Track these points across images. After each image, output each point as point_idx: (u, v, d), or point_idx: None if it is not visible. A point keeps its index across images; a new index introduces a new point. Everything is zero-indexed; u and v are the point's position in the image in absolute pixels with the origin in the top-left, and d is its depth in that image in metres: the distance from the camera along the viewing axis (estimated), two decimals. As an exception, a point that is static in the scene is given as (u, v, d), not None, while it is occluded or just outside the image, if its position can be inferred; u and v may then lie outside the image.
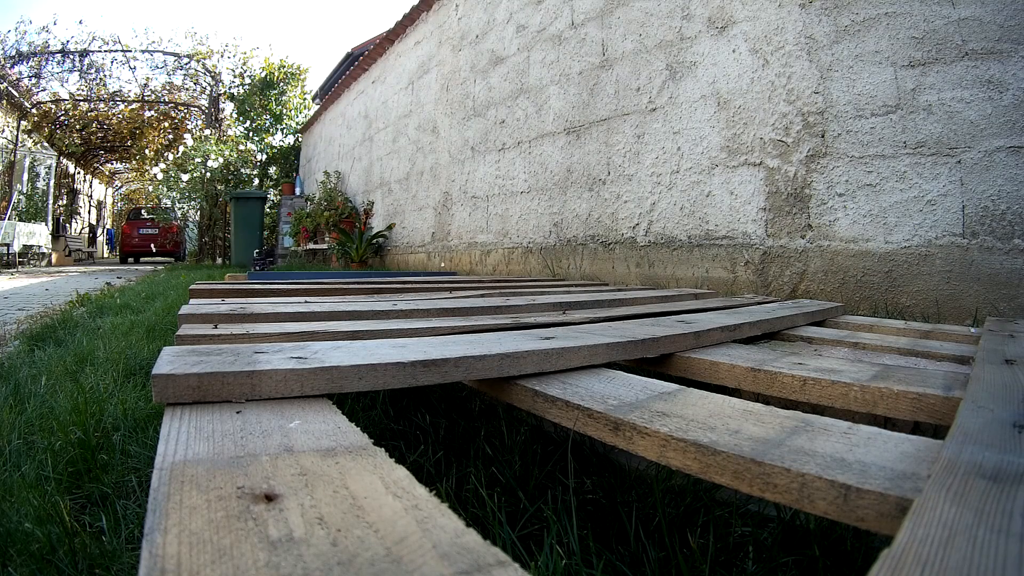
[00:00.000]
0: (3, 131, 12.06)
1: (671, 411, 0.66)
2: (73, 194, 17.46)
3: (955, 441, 0.52)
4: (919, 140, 2.08)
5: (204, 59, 13.71)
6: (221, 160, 11.32)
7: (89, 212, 20.34)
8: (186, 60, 13.86)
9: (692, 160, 2.87)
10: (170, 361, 0.65)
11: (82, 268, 11.43)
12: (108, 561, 0.77)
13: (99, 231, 22.40)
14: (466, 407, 1.35)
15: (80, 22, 27.33)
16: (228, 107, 13.69)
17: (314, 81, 26.02)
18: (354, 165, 7.99)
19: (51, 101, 13.68)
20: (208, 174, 11.38)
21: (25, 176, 13.44)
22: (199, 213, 12.44)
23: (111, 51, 13.54)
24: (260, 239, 9.71)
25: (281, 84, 13.04)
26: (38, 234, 12.34)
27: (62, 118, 14.24)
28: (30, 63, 12.93)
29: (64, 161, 15.69)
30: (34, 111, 13.29)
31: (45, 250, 12.75)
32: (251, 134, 12.92)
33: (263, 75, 13.01)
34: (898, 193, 2.13)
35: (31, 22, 29.46)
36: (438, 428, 1.20)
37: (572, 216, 3.66)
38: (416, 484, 0.41)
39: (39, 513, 0.85)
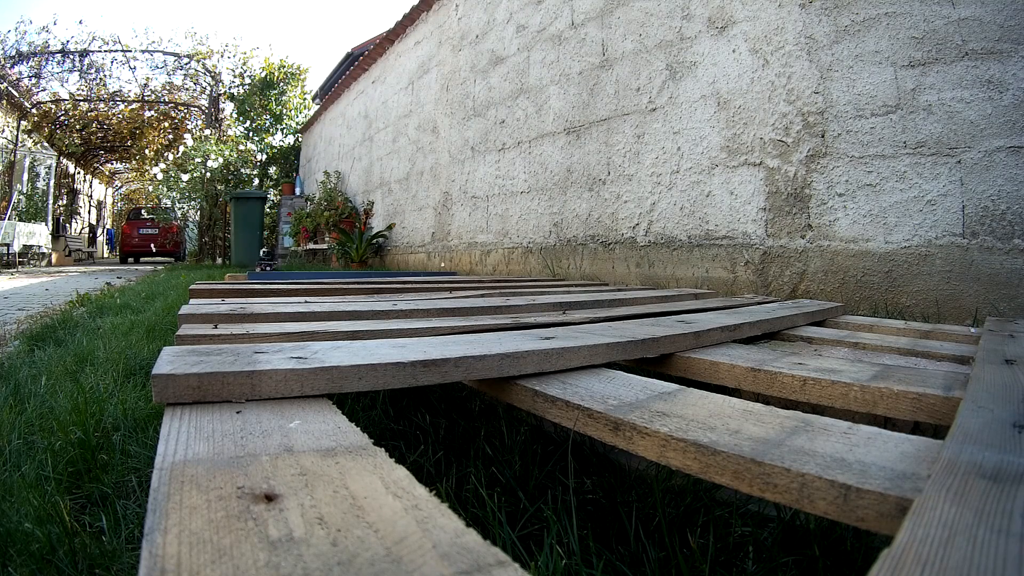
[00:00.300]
0: (3, 131, 12.06)
1: (671, 411, 0.66)
2: (73, 194, 17.46)
3: (955, 441, 0.52)
4: (919, 140, 2.08)
5: (204, 59, 13.71)
6: (221, 160, 11.33)
7: (89, 212, 20.34)
8: (186, 60, 13.87)
9: (692, 160, 2.87)
10: (170, 361, 0.65)
11: (82, 268, 11.43)
12: (108, 561, 0.77)
13: (99, 231, 22.40)
14: (466, 407, 1.35)
15: (80, 22, 27.36)
16: (228, 107, 13.70)
17: (314, 81, 26.05)
18: (354, 165, 7.99)
19: (51, 101, 13.68)
20: (208, 174, 11.38)
21: (25, 176, 13.45)
22: (199, 213, 12.44)
23: (111, 51, 13.54)
24: (260, 239, 9.70)
25: (281, 84, 13.04)
26: (38, 234, 12.34)
27: (62, 118, 14.24)
28: (30, 63, 12.94)
29: (64, 161, 15.69)
30: (34, 111, 13.29)
31: (45, 250, 12.75)
32: (251, 134, 12.92)
33: (263, 75, 13.01)
34: (898, 193, 2.13)
35: (31, 22, 29.47)
36: (438, 428, 1.20)
37: (572, 216, 3.66)
38: (416, 484, 0.41)
39: (39, 513, 0.85)
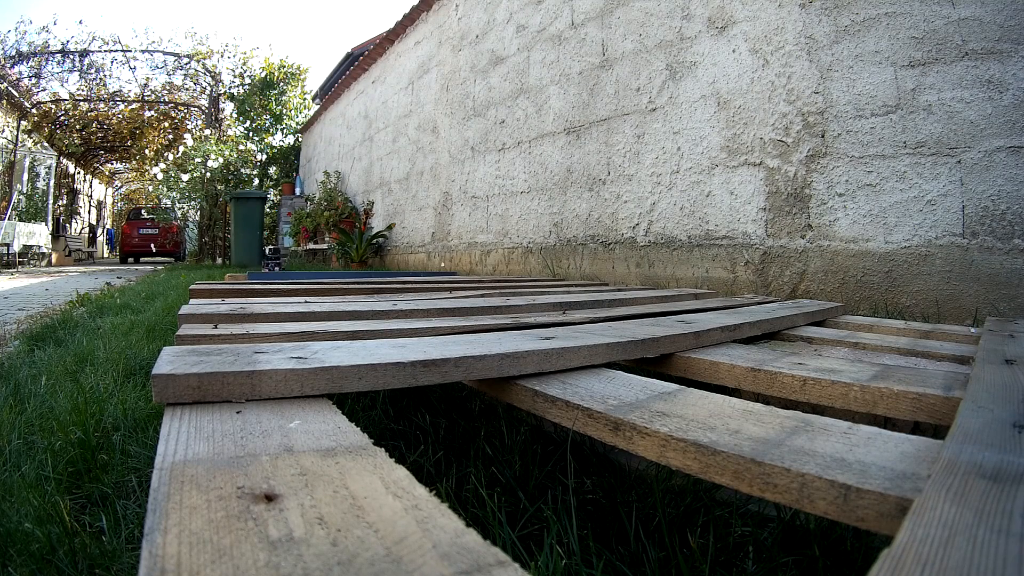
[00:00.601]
0: (3, 131, 12.06)
1: (671, 411, 0.66)
2: (73, 194, 17.46)
3: (955, 441, 0.52)
4: (919, 140, 2.08)
5: (204, 59, 13.71)
6: (221, 160, 11.32)
7: (89, 212, 20.34)
8: (186, 60, 13.86)
9: (692, 160, 2.87)
10: (170, 361, 0.65)
11: (82, 268, 11.43)
12: (108, 561, 0.77)
13: (99, 231, 22.40)
14: (466, 407, 1.35)
15: (80, 22, 27.37)
16: (228, 107, 13.69)
17: (314, 81, 26.05)
18: (354, 165, 7.99)
19: (51, 101, 13.68)
20: (208, 174, 11.38)
21: (25, 176, 13.45)
22: (199, 213, 12.44)
23: (111, 51, 13.54)
24: (260, 239, 9.69)
25: (281, 84, 13.04)
26: (38, 234, 12.34)
27: (62, 118, 14.24)
28: (30, 63, 12.93)
29: (64, 161, 15.69)
30: (34, 111, 13.29)
31: (45, 250, 12.76)
32: (251, 134, 12.93)
33: (263, 75, 13.02)
34: (898, 193, 2.13)
35: (31, 22, 29.46)
36: (438, 428, 1.20)
37: (572, 216, 3.66)
38: (416, 484, 0.41)
39: (39, 513, 0.85)
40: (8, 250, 10.63)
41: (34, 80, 13.09)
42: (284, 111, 13.08)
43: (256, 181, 12.43)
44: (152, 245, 16.50)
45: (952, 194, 2.01)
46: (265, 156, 12.81)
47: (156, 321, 2.75)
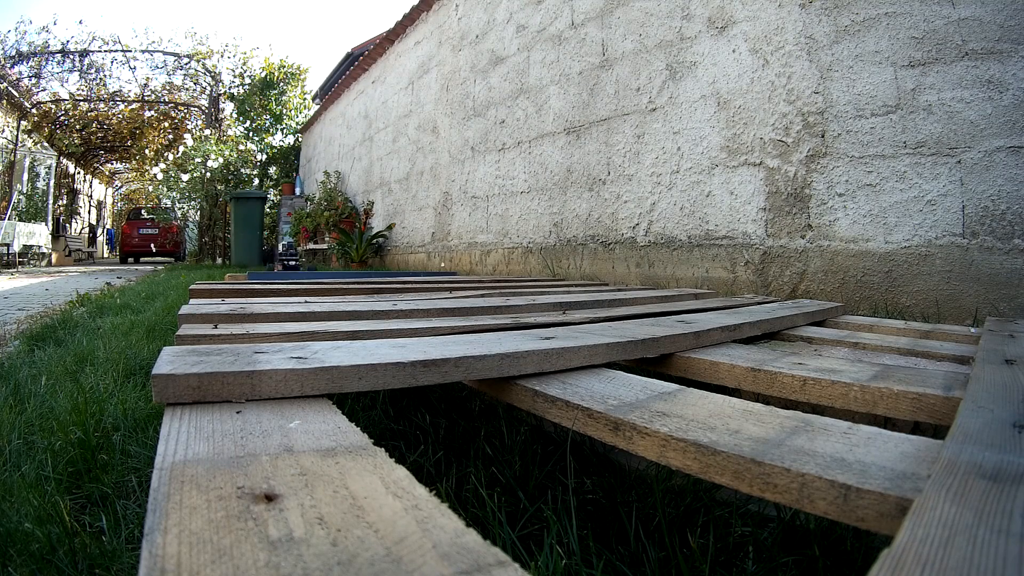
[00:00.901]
0: (3, 131, 12.06)
1: (671, 411, 0.66)
2: (73, 194, 17.46)
3: (955, 441, 0.52)
4: (919, 140, 2.08)
5: (204, 59, 13.71)
6: (221, 160, 11.33)
7: (89, 212, 20.34)
8: (186, 60, 13.87)
9: (692, 160, 2.87)
10: (170, 361, 0.65)
11: (82, 268, 11.43)
12: (108, 561, 0.77)
13: (99, 231, 22.40)
14: (466, 407, 1.35)
15: (80, 22, 27.37)
16: (228, 107, 13.70)
17: (314, 81, 26.05)
18: (354, 165, 7.99)
19: (51, 101, 13.68)
20: (208, 174, 11.38)
21: (25, 176, 13.45)
22: (199, 213, 12.44)
23: (111, 51, 13.55)
24: (260, 239, 9.70)
25: (281, 84, 13.04)
26: (38, 234, 12.34)
27: (62, 118, 14.24)
28: (30, 63, 12.94)
29: (64, 161, 15.69)
30: (34, 111, 13.29)
31: (45, 250, 12.75)
32: (251, 134, 12.92)
33: (263, 75, 13.02)
34: (898, 193, 2.13)
35: (31, 22, 29.45)
36: (438, 428, 1.20)
37: (572, 216, 3.66)
38: (416, 484, 0.41)
39: (39, 513, 0.85)
40: (8, 250, 10.63)
41: (34, 80, 13.10)
42: (284, 111, 13.08)
43: (256, 181, 12.43)
44: (152, 245, 16.50)
45: (952, 194, 2.01)
46: (265, 156, 12.81)
47: (156, 321, 2.75)
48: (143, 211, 17.62)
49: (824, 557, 0.74)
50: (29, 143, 13.49)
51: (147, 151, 14.85)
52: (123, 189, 26.67)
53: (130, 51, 13.63)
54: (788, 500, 0.49)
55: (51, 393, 1.46)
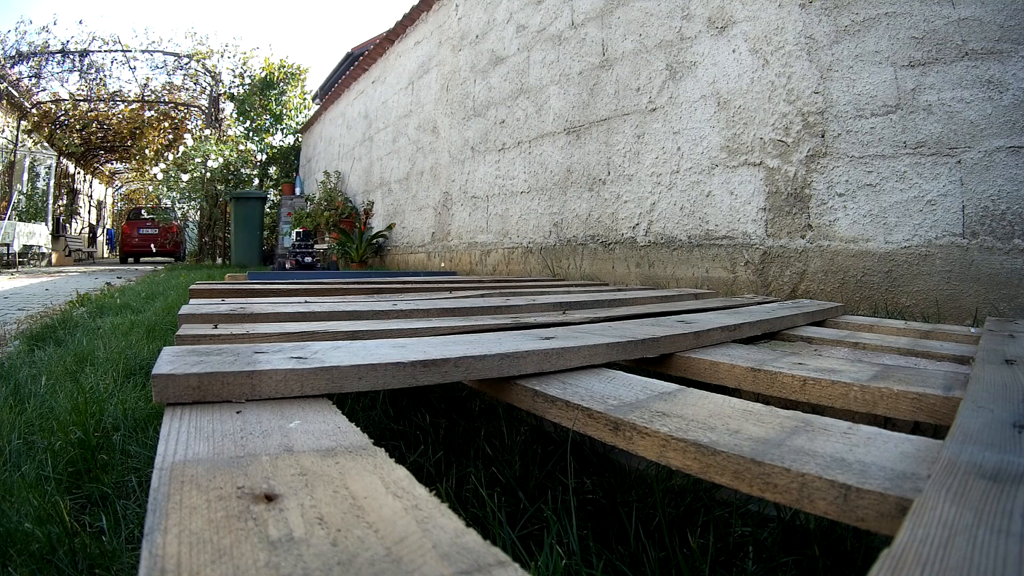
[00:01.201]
0: (3, 131, 12.06)
1: (671, 411, 0.66)
2: (73, 194, 17.46)
3: (955, 441, 0.52)
4: (919, 140, 2.08)
5: (204, 59, 13.71)
6: (221, 160, 11.33)
7: (89, 212, 20.34)
8: (186, 60, 13.87)
9: (692, 160, 2.87)
10: (170, 361, 0.65)
11: (82, 268, 11.43)
12: (108, 561, 0.77)
13: (99, 231, 22.40)
14: (466, 407, 1.35)
15: (80, 22, 27.38)
16: (228, 107, 13.70)
17: (314, 81, 26.04)
18: (354, 165, 7.99)
19: (51, 101, 13.68)
20: (208, 174, 11.38)
21: (25, 176, 13.44)
22: (199, 213, 12.44)
23: (111, 51, 13.55)
24: (260, 239, 9.70)
25: (281, 84, 13.04)
26: (38, 234, 12.33)
27: (62, 118, 14.24)
28: (30, 63, 12.94)
29: (64, 161, 15.69)
30: (34, 111, 13.29)
31: (45, 250, 12.75)
32: (251, 134, 12.92)
33: (263, 75, 13.01)
34: (898, 193, 2.13)
35: (31, 22, 29.48)
36: (438, 428, 1.20)
37: (572, 216, 3.66)
38: (416, 484, 0.41)
39: (39, 513, 0.85)
40: (8, 250, 10.63)
41: (34, 80, 13.10)
42: (284, 111, 13.08)
43: (256, 181, 12.43)
44: (152, 245, 16.50)
45: (952, 194, 2.01)
46: (265, 156, 12.81)
47: (156, 321, 2.76)
48: (143, 211, 17.62)
49: (824, 557, 0.74)
50: (29, 143, 13.49)
51: (147, 151, 14.84)
52: (123, 189, 26.67)
53: (130, 51, 13.64)
54: (788, 500, 0.49)
55: (51, 393, 1.46)
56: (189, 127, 14.45)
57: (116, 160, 19.46)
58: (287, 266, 5.30)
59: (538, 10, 4.00)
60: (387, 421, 1.25)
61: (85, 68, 13.39)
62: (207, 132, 12.70)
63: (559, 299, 1.76)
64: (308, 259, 4.88)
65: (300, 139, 12.53)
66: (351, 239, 6.56)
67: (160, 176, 12.54)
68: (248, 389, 0.62)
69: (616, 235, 3.33)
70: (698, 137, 2.83)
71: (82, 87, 13.75)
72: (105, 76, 13.79)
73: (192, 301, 1.47)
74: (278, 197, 11.28)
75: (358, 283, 2.24)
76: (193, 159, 11.37)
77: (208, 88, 13.96)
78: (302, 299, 1.60)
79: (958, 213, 2.00)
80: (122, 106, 14.60)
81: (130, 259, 17.17)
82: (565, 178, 3.72)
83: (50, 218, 14.39)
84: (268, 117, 12.97)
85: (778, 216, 2.50)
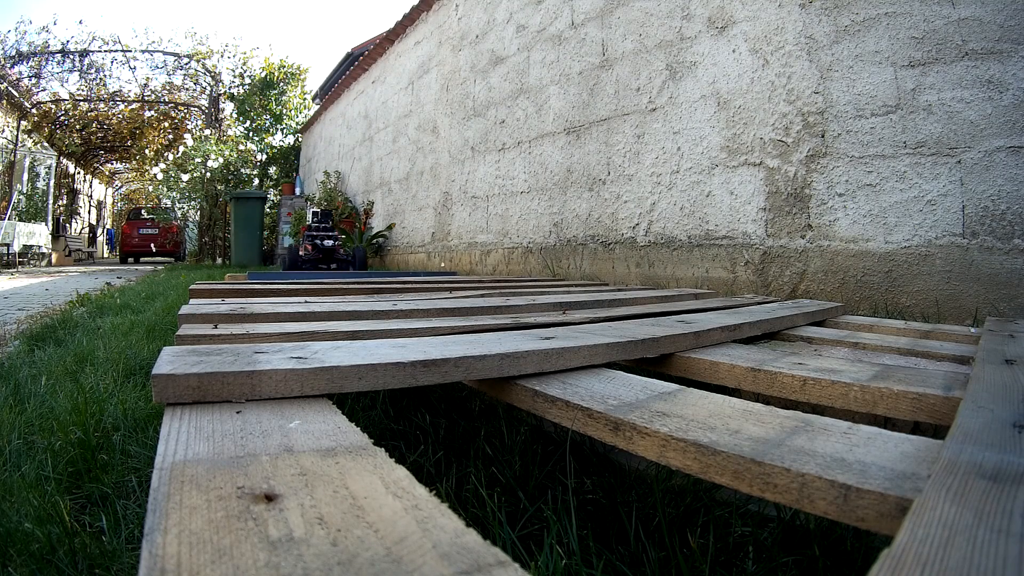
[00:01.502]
0: (3, 131, 12.06)
1: (671, 411, 0.66)
2: (73, 194, 17.46)
3: (955, 441, 0.52)
4: (919, 140, 2.08)
5: (204, 59, 13.71)
6: (221, 160, 11.33)
7: (89, 212, 20.34)
8: (186, 60, 13.87)
9: (692, 160, 2.87)
10: (170, 361, 0.65)
11: (82, 268, 11.43)
12: (108, 561, 0.77)
13: (99, 231, 22.40)
14: (466, 407, 1.35)
15: (80, 22, 27.40)
16: (228, 107, 13.70)
17: (314, 81, 25.99)
18: (354, 165, 7.99)
19: (51, 101, 13.68)
20: (208, 174, 11.38)
21: (25, 176, 13.44)
22: (199, 213, 12.44)
23: (111, 51, 13.55)
24: (260, 239, 9.69)
25: (281, 84, 13.04)
26: (38, 234, 12.33)
27: (62, 118, 14.24)
28: (30, 63, 12.94)
29: (64, 161, 15.69)
30: (34, 111, 13.29)
31: (45, 250, 12.75)
32: (251, 134, 12.93)
33: (263, 75, 13.02)
34: (898, 193, 2.13)
35: (31, 22, 29.50)
36: (438, 428, 1.20)
37: (572, 216, 3.66)
38: (416, 484, 0.41)
39: (39, 513, 0.85)
40: (8, 250, 10.63)
41: (34, 80, 13.10)
42: (284, 111, 13.09)
43: (256, 181, 12.43)
44: (152, 245, 16.50)
45: (952, 194, 2.01)
46: (265, 156, 12.81)
47: (156, 321, 2.76)
48: (143, 211, 17.62)
49: (824, 557, 0.74)
50: (29, 143, 13.49)
51: (147, 151, 14.85)
52: (123, 189, 26.67)
53: (130, 51, 13.64)
54: (788, 500, 0.49)
55: (51, 393, 1.46)
56: (189, 127, 14.45)
57: (116, 160, 19.46)
58: (300, 253, 4.21)
59: (538, 10, 4.00)
60: (387, 421, 1.25)
61: (85, 68, 13.39)
62: (207, 132, 12.70)
63: (559, 299, 1.76)
64: (328, 242, 3.77)
65: (300, 139, 12.53)
66: (351, 239, 6.55)
67: (160, 176, 12.54)
68: (248, 389, 0.62)
69: (616, 235, 3.33)
70: (698, 137, 2.83)
71: (82, 87, 13.76)
72: (105, 76, 13.80)
73: (192, 301, 1.47)
74: (278, 197, 11.28)
75: (358, 283, 2.24)
76: (193, 159, 11.37)
77: (208, 88, 13.97)
78: (302, 299, 1.60)
79: (958, 213, 2.00)
80: (122, 106, 14.60)
81: (130, 259, 17.17)
82: (565, 178, 3.72)
83: (50, 218, 14.39)
84: (268, 117, 12.98)
85: (778, 216, 2.50)
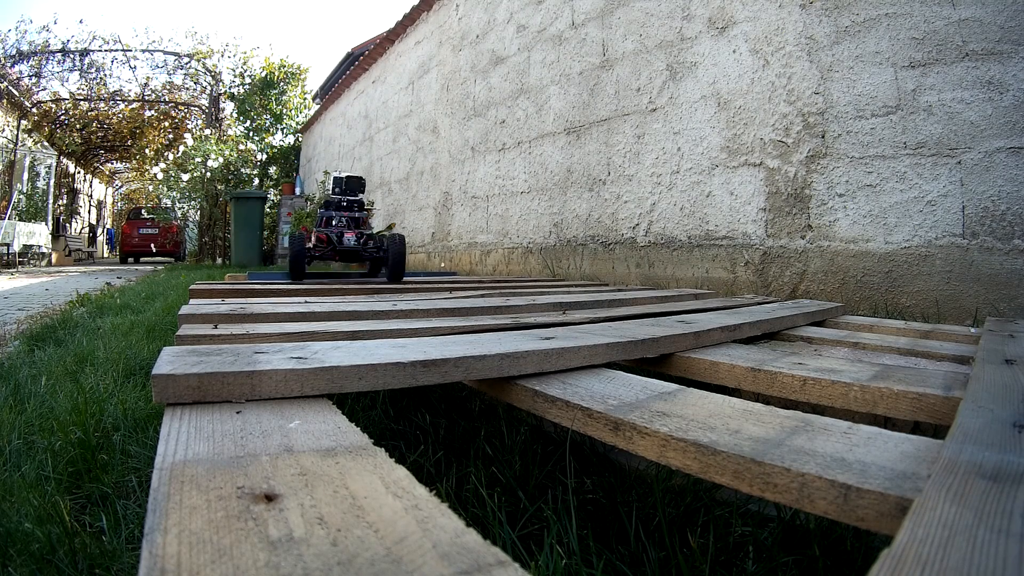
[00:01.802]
0: (3, 131, 12.06)
1: (671, 411, 0.66)
2: (73, 194, 17.46)
3: (955, 441, 0.52)
4: (919, 141, 2.08)
5: (204, 59, 13.71)
6: (221, 160, 11.32)
7: (89, 212, 20.34)
8: (186, 60, 13.87)
9: (692, 160, 2.87)
10: (170, 361, 0.65)
11: (82, 268, 11.43)
12: (108, 561, 0.77)
13: (99, 231, 22.39)
14: (466, 407, 1.35)
15: (80, 21, 27.44)
16: (228, 107, 13.69)
17: (314, 81, 25.96)
18: (354, 165, 7.99)
19: (51, 100, 13.68)
20: (208, 174, 11.37)
21: (25, 176, 13.44)
22: (199, 213, 12.44)
23: (111, 50, 13.55)
24: (260, 239, 9.69)
25: (281, 84, 13.04)
26: (38, 234, 12.33)
27: (62, 118, 14.24)
28: (30, 62, 12.94)
29: (64, 161, 15.68)
30: (34, 110, 13.29)
31: (45, 250, 12.75)
32: (251, 134, 12.92)
33: (263, 75, 13.01)
34: (898, 193, 2.13)
35: (31, 21, 29.49)
36: (438, 428, 1.20)
37: (572, 216, 3.66)
38: (416, 484, 0.41)
39: (39, 513, 0.85)
40: (8, 250, 10.63)
41: (34, 79, 13.10)
42: (284, 111, 13.08)
43: (256, 181, 12.42)
44: (152, 245, 16.49)
45: (952, 194, 2.01)
46: (265, 156, 12.81)
47: (156, 321, 2.76)
48: (143, 211, 17.61)
49: (824, 557, 0.74)
50: (29, 142, 13.49)
51: (147, 151, 14.83)
52: (123, 189, 26.66)
53: (130, 50, 13.64)
54: (788, 500, 0.49)
55: (51, 393, 1.46)
56: (189, 127, 14.45)
57: (116, 160, 19.45)
58: (313, 240, 2.73)
59: (538, 10, 4.00)
60: (387, 421, 1.25)
61: (85, 67, 13.39)
62: (207, 132, 12.69)
63: (559, 299, 1.76)
64: (351, 239, 2.46)
65: (300, 139, 12.53)
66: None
67: (160, 176, 12.53)
68: (248, 389, 0.62)
69: (616, 235, 3.33)
70: (698, 137, 2.83)
71: (82, 86, 13.75)
72: (105, 75, 13.80)
73: (192, 301, 1.47)
74: (278, 197, 11.27)
75: (358, 283, 2.24)
76: (193, 159, 11.36)
77: (208, 88, 13.96)
78: (302, 299, 1.60)
79: (958, 213, 2.00)
80: (122, 106, 14.60)
81: (130, 259, 17.16)
82: (565, 178, 3.72)
83: (50, 218, 14.38)
84: (268, 117, 12.97)
85: (778, 216, 2.50)
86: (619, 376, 0.85)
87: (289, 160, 12.75)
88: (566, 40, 3.73)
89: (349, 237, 2.73)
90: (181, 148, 12.10)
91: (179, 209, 13.32)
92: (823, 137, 2.33)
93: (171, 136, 14.98)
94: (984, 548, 0.33)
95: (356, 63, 7.99)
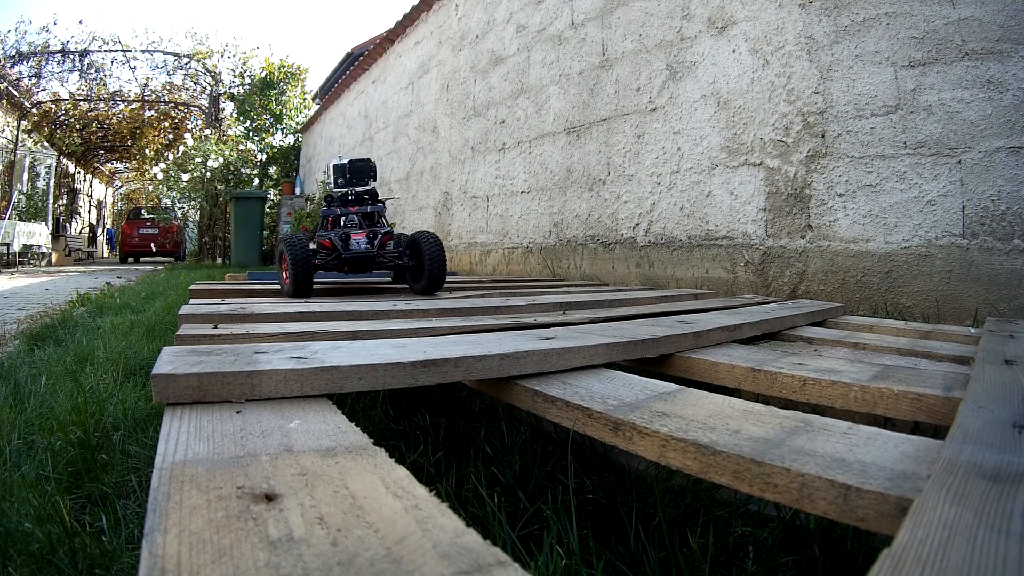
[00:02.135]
0: (3, 131, 12.06)
1: (671, 411, 0.66)
2: (73, 194, 17.46)
3: (955, 441, 0.52)
4: (919, 140, 2.08)
5: (204, 59, 13.71)
6: (221, 160, 11.32)
7: (89, 212, 20.34)
8: (186, 60, 13.87)
9: (692, 160, 2.87)
10: (170, 361, 0.65)
11: (82, 268, 11.42)
12: (108, 561, 0.77)
13: (99, 231, 22.39)
14: (466, 407, 1.35)
15: (80, 22, 27.43)
16: (228, 107, 13.69)
17: (314, 81, 25.93)
18: (354, 165, 7.98)
19: (51, 101, 13.68)
20: (208, 174, 11.37)
21: (25, 176, 13.44)
22: (199, 213, 12.43)
23: (111, 51, 13.55)
24: (260, 239, 9.69)
25: (281, 84, 13.04)
26: (38, 234, 12.33)
27: (62, 118, 14.24)
28: (30, 63, 12.94)
29: (64, 161, 15.68)
30: (34, 111, 13.29)
31: (45, 250, 12.75)
32: (251, 134, 12.92)
33: (263, 75, 13.01)
34: (898, 193, 2.13)
35: (31, 22, 29.50)
36: (438, 428, 1.20)
37: (572, 216, 3.66)
38: (416, 484, 0.41)
39: (39, 513, 0.85)
40: (8, 250, 10.63)
41: (34, 80, 13.09)
42: (284, 111, 13.08)
43: (256, 181, 12.42)
44: (152, 245, 16.48)
45: (952, 194, 2.01)
46: (265, 156, 12.81)
47: (156, 321, 2.75)
48: (143, 211, 17.61)
49: (824, 557, 0.74)
50: (29, 143, 13.49)
51: (147, 151, 14.82)
52: (123, 189, 26.66)
53: (130, 51, 13.64)
54: (788, 500, 0.49)
55: (51, 393, 1.46)
56: (189, 127, 14.44)
57: (116, 160, 19.46)
58: (311, 250, 2.11)
59: (538, 10, 4.00)
60: (387, 421, 1.25)
61: (85, 68, 13.39)
62: (207, 132, 12.69)
63: (559, 299, 1.76)
64: (361, 242, 2.03)
65: (300, 139, 12.53)
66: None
67: (160, 176, 12.52)
68: (248, 389, 0.62)
69: (616, 235, 3.33)
70: (698, 137, 2.83)
71: (82, 87, 13.75)
72: (105, 76, 13.79)
73: (192, 301, 1.47)
74: (278, 197, 11.27)
75: (356, 283, 2.24)
76: (193, 159, 11.36)
77: (208, 88, 13.96)
78: (302, 299, 1.60)
79: (958, 213, 2.00)
80: (122, 106, 14.60)
81: (130, 259, 17.15)
82: (565, 178, 3.72)
83: (50, 218, 14.38)
84: (268, 117, 12.97)
85: (778, 216, 2.50)
86: (619, 376, 0.85)
87: (289, 160, 12.75)
88: (566, 40, 3.73)
89: (358, 239, 2.01)
90: (181, 148, 12.10)
91: (179, 209, 13.33)
92: (823, 137, 2.33)
93: (171, 136, 14.98)
94: (984, 548, 0.33)
95: (356, 63, 7.99)
